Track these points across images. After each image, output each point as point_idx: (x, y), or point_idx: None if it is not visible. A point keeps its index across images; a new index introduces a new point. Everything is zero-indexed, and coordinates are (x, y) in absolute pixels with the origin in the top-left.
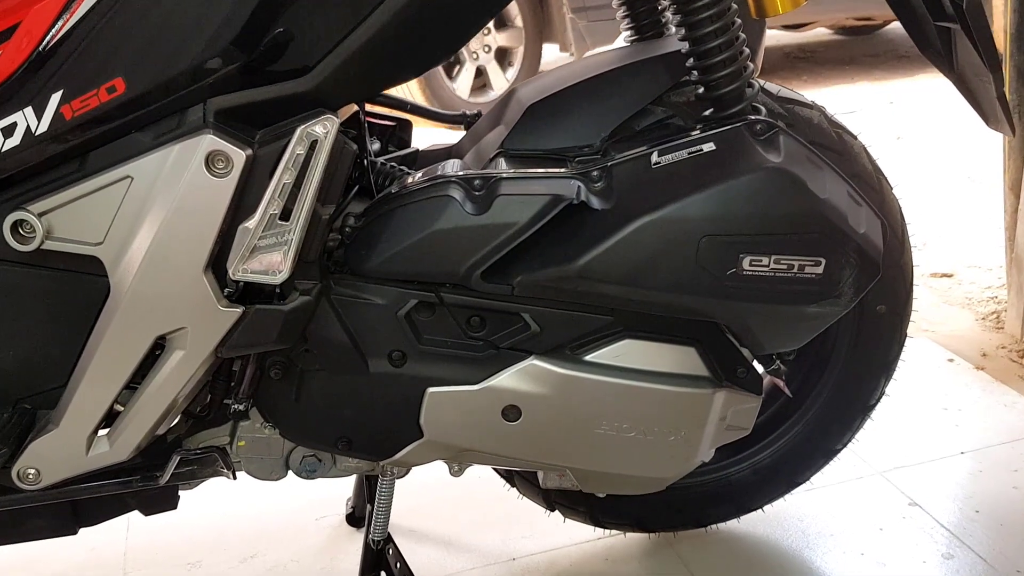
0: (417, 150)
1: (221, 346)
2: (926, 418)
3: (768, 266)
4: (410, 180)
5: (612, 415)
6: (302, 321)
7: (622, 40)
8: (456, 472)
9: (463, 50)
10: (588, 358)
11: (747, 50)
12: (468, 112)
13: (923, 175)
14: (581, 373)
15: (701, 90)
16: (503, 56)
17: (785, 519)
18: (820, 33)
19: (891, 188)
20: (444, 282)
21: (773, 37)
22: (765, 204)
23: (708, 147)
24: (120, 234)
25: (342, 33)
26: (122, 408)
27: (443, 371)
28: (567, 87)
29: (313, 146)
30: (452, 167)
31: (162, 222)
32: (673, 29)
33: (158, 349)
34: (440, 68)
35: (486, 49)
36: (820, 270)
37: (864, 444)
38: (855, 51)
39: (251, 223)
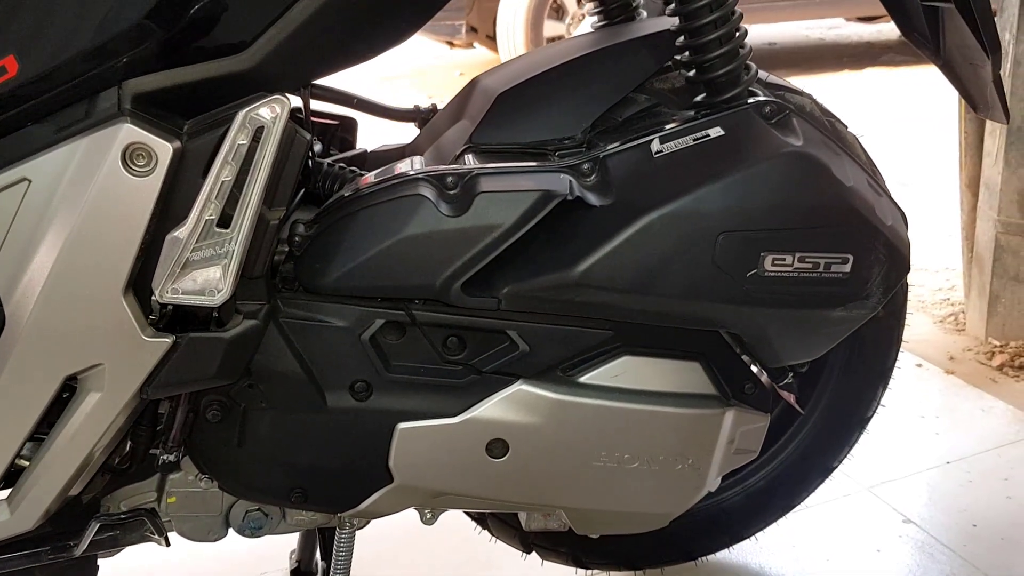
0: (366, 151)
1: (147, 385)
2: (905, 428)
3: (792, 265)
4: (364, 182)
5: (612, 444)
6: (247, 351)
7: (588, 26)
8: (428, 520)
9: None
10: (583, 380)
11: (744, 28)
12: (421, 107)
13: None
14: (576, 398)
15: (692, 72)
16: None
17: (776, 546)
18: None
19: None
20: (416, 297)
21: None
22: (788, 194)
23: (715, 132)
24: (15, 252)
25: (280, 4)
26: (26, 464)
27: (416, 403)
28: (540, 74)
29: (258, 135)
30: (415, 165)
31: (69, 235)
32: (644, 13)
33: (68, 391)
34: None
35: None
36: (848, 268)
37: (847, 459)
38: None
39: (182, 232)
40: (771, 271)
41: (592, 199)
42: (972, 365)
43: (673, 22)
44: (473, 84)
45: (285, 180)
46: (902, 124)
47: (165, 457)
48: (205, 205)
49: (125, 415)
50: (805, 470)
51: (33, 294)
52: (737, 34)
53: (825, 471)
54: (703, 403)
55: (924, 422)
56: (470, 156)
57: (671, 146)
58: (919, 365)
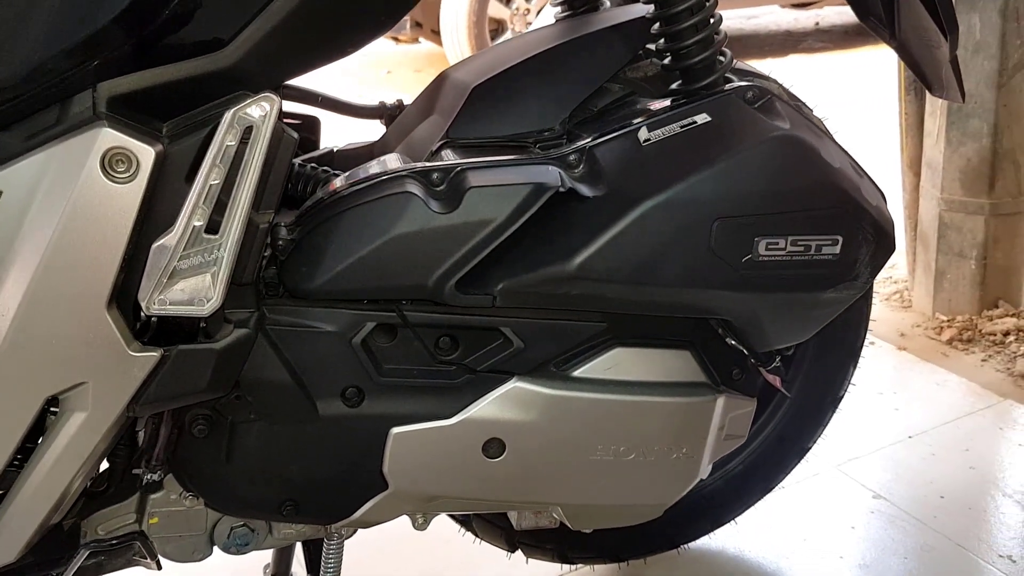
0: (332, 150)
1: (134, 402)
2: (865, 405)
3: (785, 249)
4: (339, 182)
5: (608, 438)
6: (239, 361)
7: (551, 16)
8: (420, 525)
9: (508, 20)
10: (576, 374)
11: (719, 14)
12: (387, 103)
13: None
14: (571, 392)
15: (668, 60)
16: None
17: (754, 528)
18: None
19: None
20: (408, 298)
21: None
22: (781, 178)
23: (702, 119)
24: None
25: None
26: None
27: (409, 406)
28: (515, 66)
29: (247, 135)
30: (391, 162)
31: (46, 248)
32: (608, 3)
33: (47, 413)
34: (486, 28)
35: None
36: (837, 250)
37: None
38: None
39: (169, 239)
40: (765, 255)
41: (584, 190)
42: (922, 341)
43: (644, 10)
44: (442, 78)
45: (273, 181)
46: (828, 109)
47: (149, 476)
48: (194, 210)
49: (111, 435)
50: (782, 452)
51: (9, 312)
52: (712, 21)
53: (801, 452)
54: (695, 391)
55: (883, 398)
56: (448, 151)
57: (659, 134)
58: (872, 343)
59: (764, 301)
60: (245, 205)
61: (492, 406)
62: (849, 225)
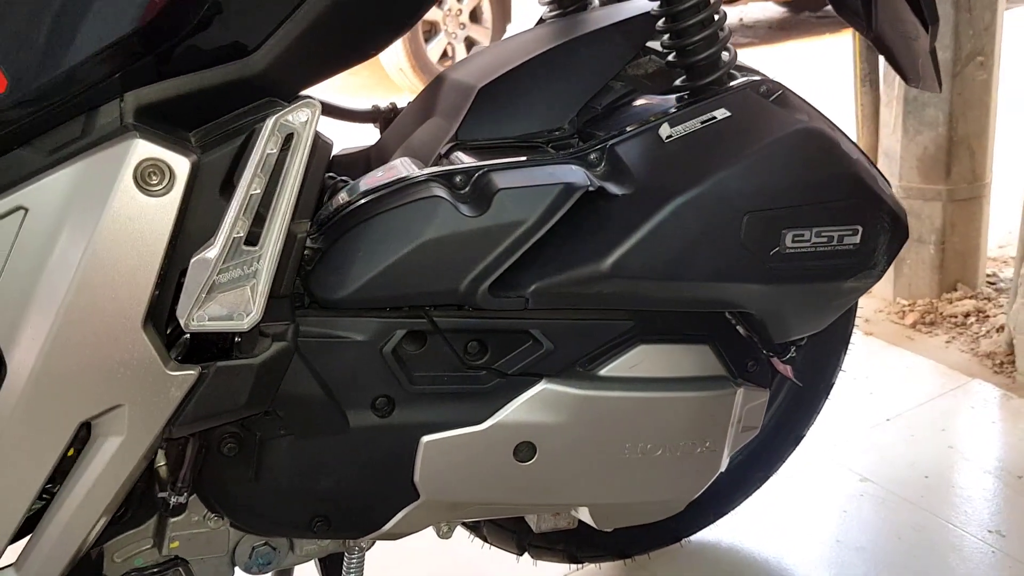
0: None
1: (171, 423)
2: (839, 390)
3: (810, 240)
4: (354, 189)
5: (636, 435)
6: (278, 375)
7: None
8: (445, 533)
9: (441, 22)
10: (603, 373)
11: (724, 11)
12: (380, 107)
13: None
14: (600, 392)
15: (672, 56)
16: (470, 47)
17: (750, 517)
18: None
19: None
20: (438, 303)
21: None
22: (807, 170)
23: (721, 114)
24: (14, 290)
25: (288, 5)
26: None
27: (440, 413)
28: (521, 65)
29: (287, 142)
30: (406, 166)
31: (79, 266)
32: (596, 2)
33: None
34: (419, 31)
35: (458, 34)
36: (857, 240)
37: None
38: None
39: (210, 252)
40: (791, 247)
41: (612, 188)
42: (887, 325)
43: (642, 6)
44: (440, 80)
45: (309, 189)
46: None
47: (175, 499)
48: (236, 221)
49: (146, 459)
50: (780, 440)
51: (40, 335)
52: (717, 17)
53: (797, 439)
54: (717, 385)
55: (857, 383)
56: (459, 154)
57: (680, 130)
58: None
59: (789, 292)
60: (286, 215)
61: (522, 409)
62: (868, 215)
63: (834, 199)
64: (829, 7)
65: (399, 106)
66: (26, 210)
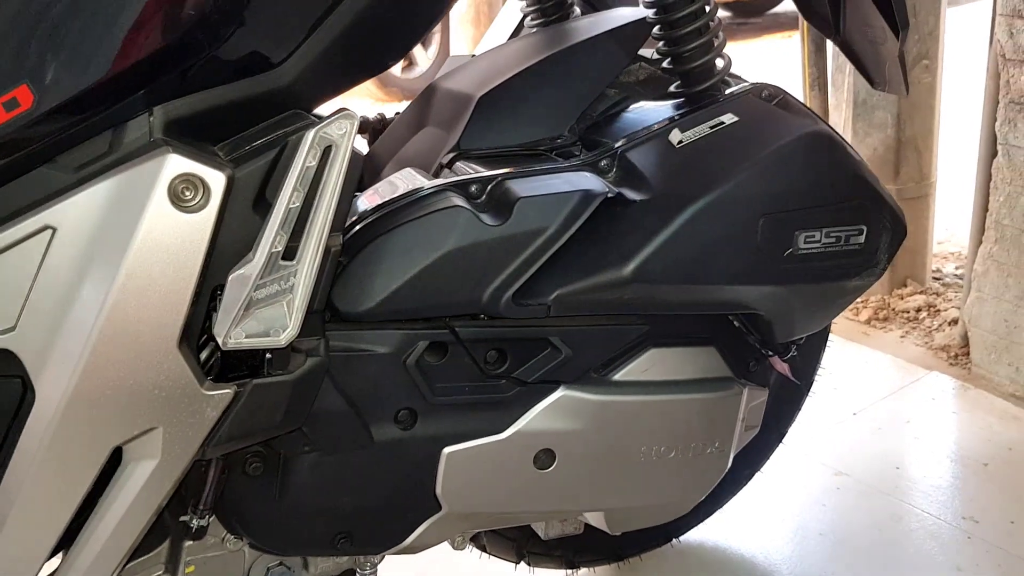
0: None
1: (206, 444)
2: None
3: (820, 241)
4: (365, 201)
5: (651, 438)
6: (313, 391)
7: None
8: (459, 544)
9: None
10: (617, 378)
11: (719, 18)
12: (369, 117)
13: None
14: (616, 396)
15: (668, 63)
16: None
17: (732, 515)
18: None
19: None
20: (461, 313)
21: None
22: (818, 173)
23: (729, 119)
24: (42, 313)
25: (315, 16)
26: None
27: (461, 424)
28: (519, 73)
29: (326, 154)
30: (413, 176)
31: (112, 286)
32: (578, 11)
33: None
34: None
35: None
36: (862, 239)
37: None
38: None
39: (249, 269)
40: (803, 248)
41: (629, 194)
42: (842, 322)
43: (633, 14)
44: (431, 90)
45: (344, 201)
46: None
47: (197, 522)
48: (275, 236)
49: (179, 482)
50: (765, 437)
51: (71, 359)
52: (712, 24)
53: (780, 436)
54: (724, 385)
55: (820, 380)
56: (462, 163)
57: (691, 135)
58: None
59: (799, 293)
60: (324, 228)
61: (542, 417)
62: (872, 215)
63: (842, 200)
64: (772, 10)
65: (387, 117)
66: (54, 229)
